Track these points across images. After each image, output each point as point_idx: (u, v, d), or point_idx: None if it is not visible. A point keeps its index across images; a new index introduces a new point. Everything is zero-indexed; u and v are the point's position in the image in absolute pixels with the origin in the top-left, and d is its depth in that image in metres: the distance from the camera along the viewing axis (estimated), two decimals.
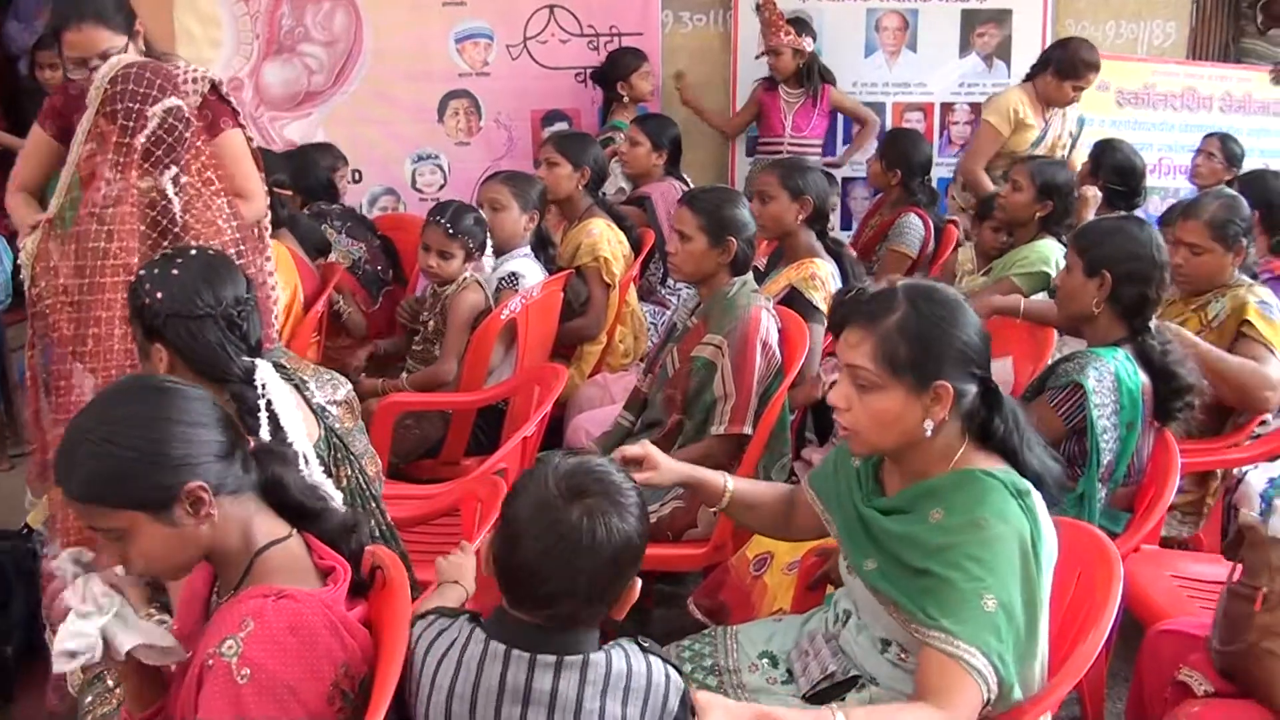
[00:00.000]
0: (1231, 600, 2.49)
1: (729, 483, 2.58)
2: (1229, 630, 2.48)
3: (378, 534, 2.63)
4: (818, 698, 2.30)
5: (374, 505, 2.66)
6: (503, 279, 4.23)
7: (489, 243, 4.28)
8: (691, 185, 5.48)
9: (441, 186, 6.57)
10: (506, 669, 1.80)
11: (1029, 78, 5.68)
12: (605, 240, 4.53)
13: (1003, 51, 6.58)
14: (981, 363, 2.14)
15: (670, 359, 3.59)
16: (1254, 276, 4.04)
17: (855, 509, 2.31)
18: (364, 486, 2.64)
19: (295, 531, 1.96)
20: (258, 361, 2.44)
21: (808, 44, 6.06)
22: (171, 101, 3.01)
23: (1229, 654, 2.47)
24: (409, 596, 1.98)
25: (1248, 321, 3.71)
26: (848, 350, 2.16)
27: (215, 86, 3.34)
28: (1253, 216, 3.96)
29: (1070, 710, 3.15)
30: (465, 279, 4.14)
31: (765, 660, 2.45)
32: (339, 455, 2.60)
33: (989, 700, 1.99)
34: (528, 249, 4.38)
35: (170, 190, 2.96)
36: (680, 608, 3.19)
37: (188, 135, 3.02)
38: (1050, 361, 3.31)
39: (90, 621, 1.81)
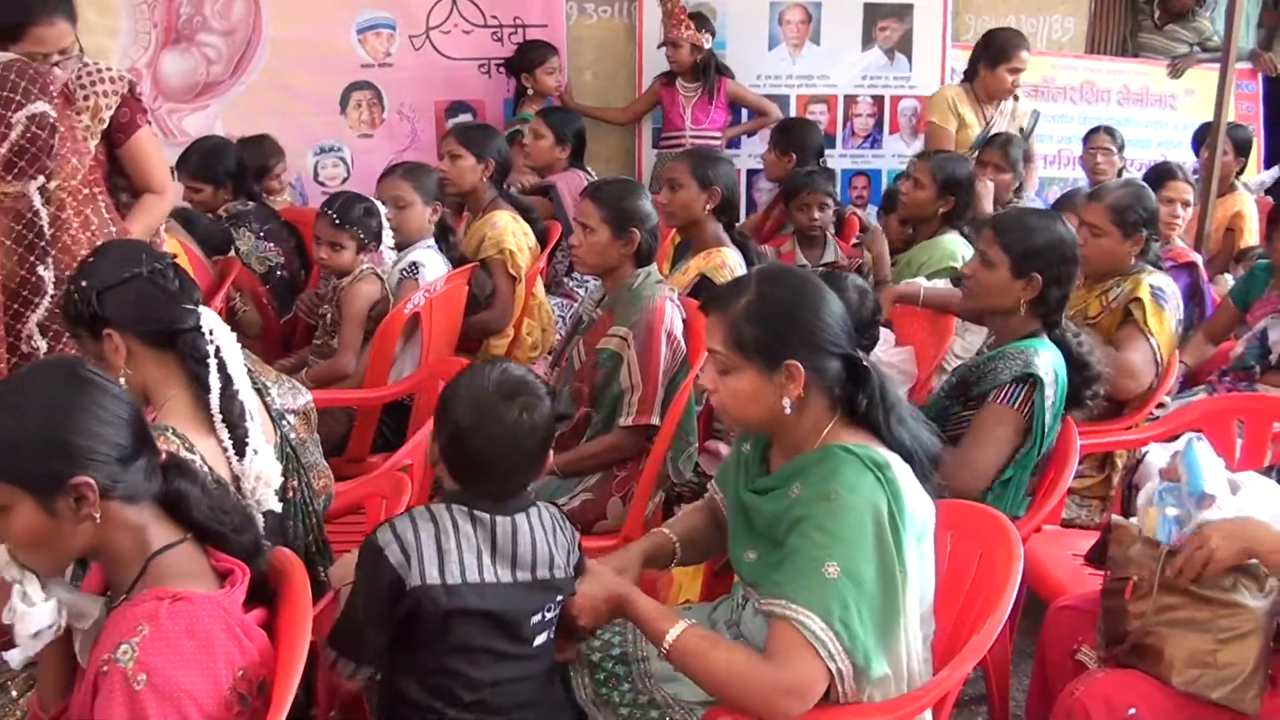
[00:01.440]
0: (1106, 598, 2.56)
1: (670, 534, 2.60)
2: (1111, 626, 2.54)
3: (313, 550, 2.58)
4: None
5: (314, 521, 2.61)
6: (403, 269, 4.18)
7: (390, 237, 4.21)
8: (595, 177, 5.48)
9: (345, 179, 6.45)
10: (477, 526, 2.16)
11: (965, 79, 5.75)
12: (510, 232, 4.49)
13: (904, 45, 6.66)
14: (838, 340, 2.19)
15: (576, 351, 3.57)
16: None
17: (738, 496, 2.35)
18: (307, 501, 2.60)
19: (190, 535, 1.92)
20: (203, 309, 2.38)
21: (706, 40, 6.07)
22: (37, 108, 2.85)
23: (1119, 653, 2.53)
24: (309, 600, 1.97)
25: (1137, 300, 3.80)
26: (708, 336, 2.26)
27: (133, 86, 3.30)
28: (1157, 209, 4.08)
29: (977, 688, 3.21)
30: (361, 270, 4.09)
31: None
32: (290, 466, 2.55)
33: (841, 672, 2.02)
34: (430, 240, 4.33)
35: (37, 200, 2.84)
36: None
37: (53, 143, 2.87)
38: (967, 362, 3.31)
39: (38, 596, 1.83)
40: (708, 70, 6.13)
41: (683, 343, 3.46)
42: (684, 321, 3.49)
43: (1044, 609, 2.97)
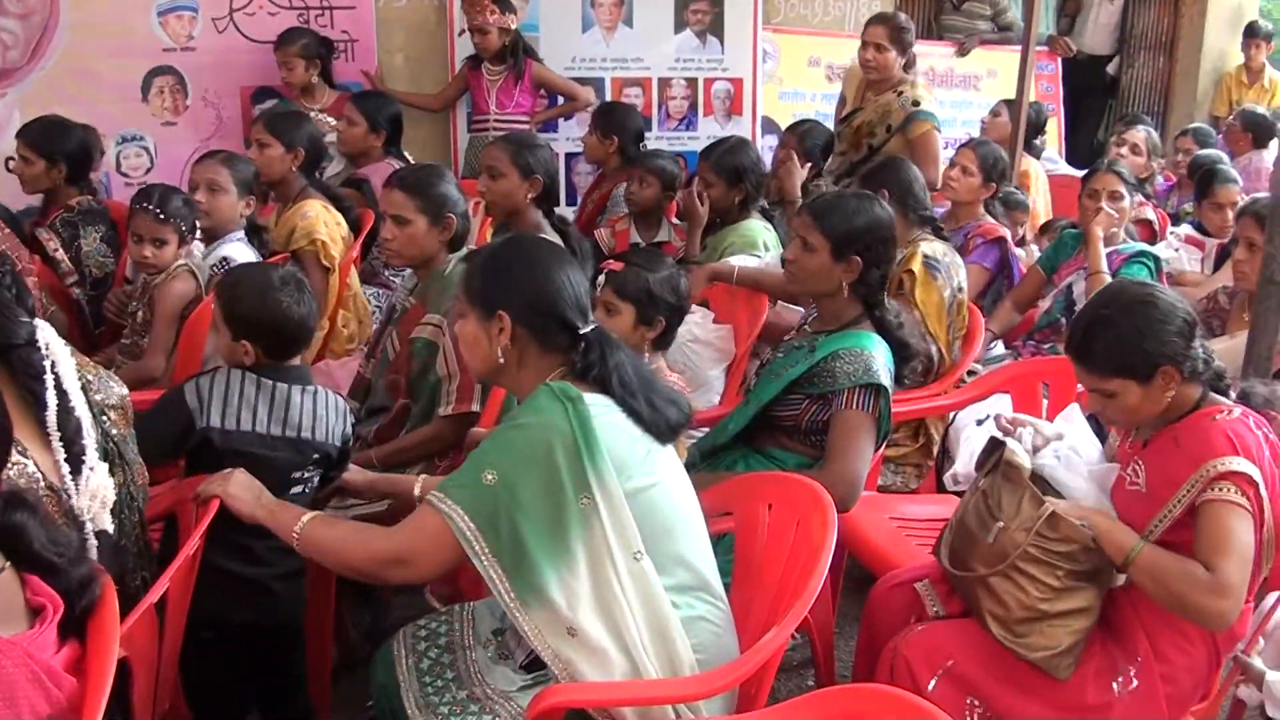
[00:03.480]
0: (970, 519, 2.62)
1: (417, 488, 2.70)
2: (959, 548, 2.61)
3: (135, 550, 2.48)
4: (532, 666, 2.34)
5: (138, 518, 2.50)
6: (215, 266, 4.03)
7: (198, 228, 4.07)
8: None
9: (149, 170, 6.18)
10: (260, 390, 2.72)
11: None
12: (322, 222, 4.36)
13: (716, 28, 6.72)
14: (556, 305, 2.33)
15: (390, 342, 3.49)
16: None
17: None
18: (132, 496, 2.48)
19: (9, 564, 1.82)
20: (38, 322, 2.28)
21: (512, 21, 6.00)
22: None
23: (958, 578, 2.60)
24: (116, 637, 1.91)
25: (910, 272, 3.94)
26: None
27: None
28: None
29: (804, 653, 3.28)
30: (176, 267, 3.93)
31: (497, 638, 2.47)
32: (114, 462, 2.42)
33: (493, 576, 2.16)
34: (241, 234, 4.18)
35: None
36: (419, 594, 3.15)
37: None
38: (795, 343, 3.33)
39: None
40: (515, 53, 6.04)
41: None
42: None
43: (869, 574, 3.05)
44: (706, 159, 4.81)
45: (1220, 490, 2.37)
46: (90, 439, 2.26)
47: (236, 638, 2.71)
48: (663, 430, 2.34)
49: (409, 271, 3.73)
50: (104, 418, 2.42)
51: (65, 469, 2.21)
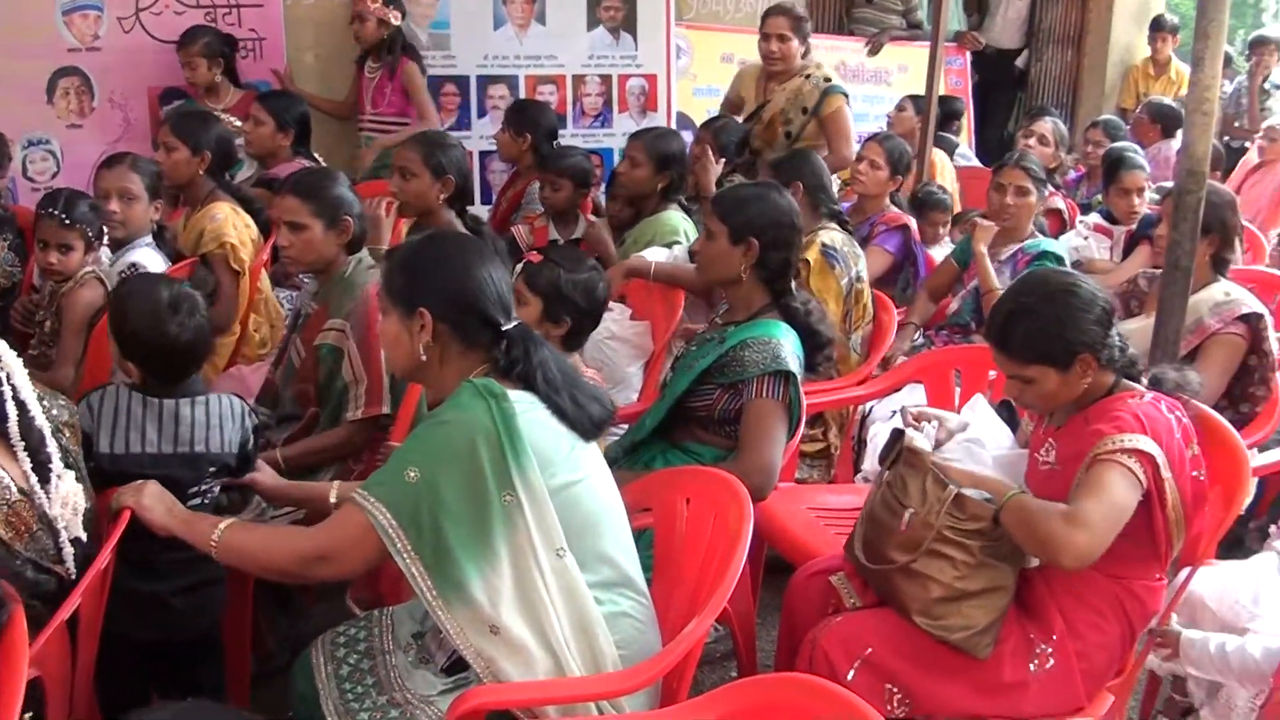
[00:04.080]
0: (880, 512, 2.65)
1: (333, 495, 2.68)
2: (873, 540, 2.64)
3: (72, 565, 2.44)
4: (453, 669, 2.34)
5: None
6: (122, 271, 3.95)
7: (105, 234, 3.98)
8: (324, 164, 5.31)
9: (55, 174, 6.00)
10: (147, 408, 2.68)
11: None
12: (231, 225, 4.28)
13: (629, 25, 6.71)
14: (477, 302, 2.31)
15: (295, 349, 3.45)
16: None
17: None
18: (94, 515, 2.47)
19: None
20: None
21: (394, 17, 5.91)
22: None
23: (873, 572, 2.63)
24: (24, 659, 1.90)
25: (805, 260, 3.98)
26: None
27: None
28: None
29: (726, 645, 3.30)
30: (84, 274, 3.84)
31: (417, 641, 2.46)
32: (79, 473, 2.42)
33: (415, 573, 2.15)
34: (149, 238, 4.10)
35: None
36: (339, 601, 3.11)
37: None
38: (707, 335, 3.36)
39: None
40: (392, 50, 5.94)
41: None
42: None
43: (790, 565, 3.07)
44: (639, 139, 4.89)
45: (1115, 454, 2.43)
46: (53, 448, 2.27)
47: (148, 653, 2.67)
48: (586, 427, 2.34)
49: None
50: (60, 434, 2.39)
51: (34, 478, 2.21)
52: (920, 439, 2.66)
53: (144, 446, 2.63)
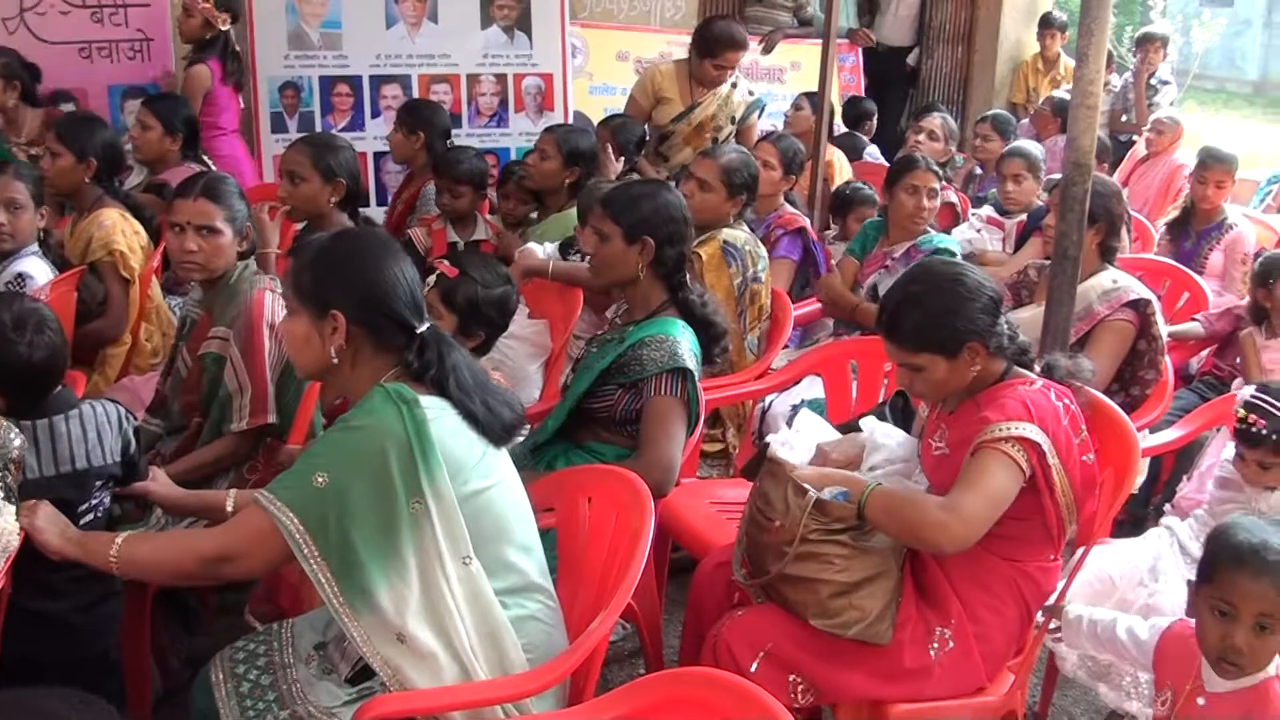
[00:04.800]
0: (751, 528, 2.68)
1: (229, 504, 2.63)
2: (754, 555, 2.66)
3: None
4: (357, 679, 2.32)
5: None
6: (9, 283, 3.83)
7: None
8: (214, 168, 5.21)
9: None
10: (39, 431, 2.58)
11: (690, 57, 5.75)
12: (119, 232, 4.18)
13: (523, 23, 6.67)
14: (390, 303, 2.26)
15: (182, 359, 3.37)
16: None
17: None
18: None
19: None
20: None
21: (222, 22, 5.81)
22: None
23: (759, 585, 2.65)
24: None
25: (697, 255, 4.01)
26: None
27: None
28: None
29: (634, 642, 3.30)
30: None
31: (319, 652, 2.42)
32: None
33: (321, 579, 2.12)
34: (35, 246, 3.99)
35: None
36: (240, 616, 3.05)
37: None
38: (606, 336, 3.36)
39: None
40: (208, 48, 5.85)
41: None
42: None
43: (696, 561, 3.08)
44: (551, 132, 4.91)
45: (998, 441, 2.47)
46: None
47: (50, 675, 2.58)
48: (498, 433, 2.32)
49: None
50: (4, 472, 2.37)
51: None
52: (784, 450, 2.68)
53: (25, 473, 2.49)
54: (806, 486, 2.56)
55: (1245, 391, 3.23)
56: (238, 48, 6.00)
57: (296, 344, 2.32)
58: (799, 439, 2.80)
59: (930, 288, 2.61)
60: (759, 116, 5.63)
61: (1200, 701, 2.29)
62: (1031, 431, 2.48)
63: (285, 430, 3.25)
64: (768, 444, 2.76)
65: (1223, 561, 2.23)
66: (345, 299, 2.25)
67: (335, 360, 2.27)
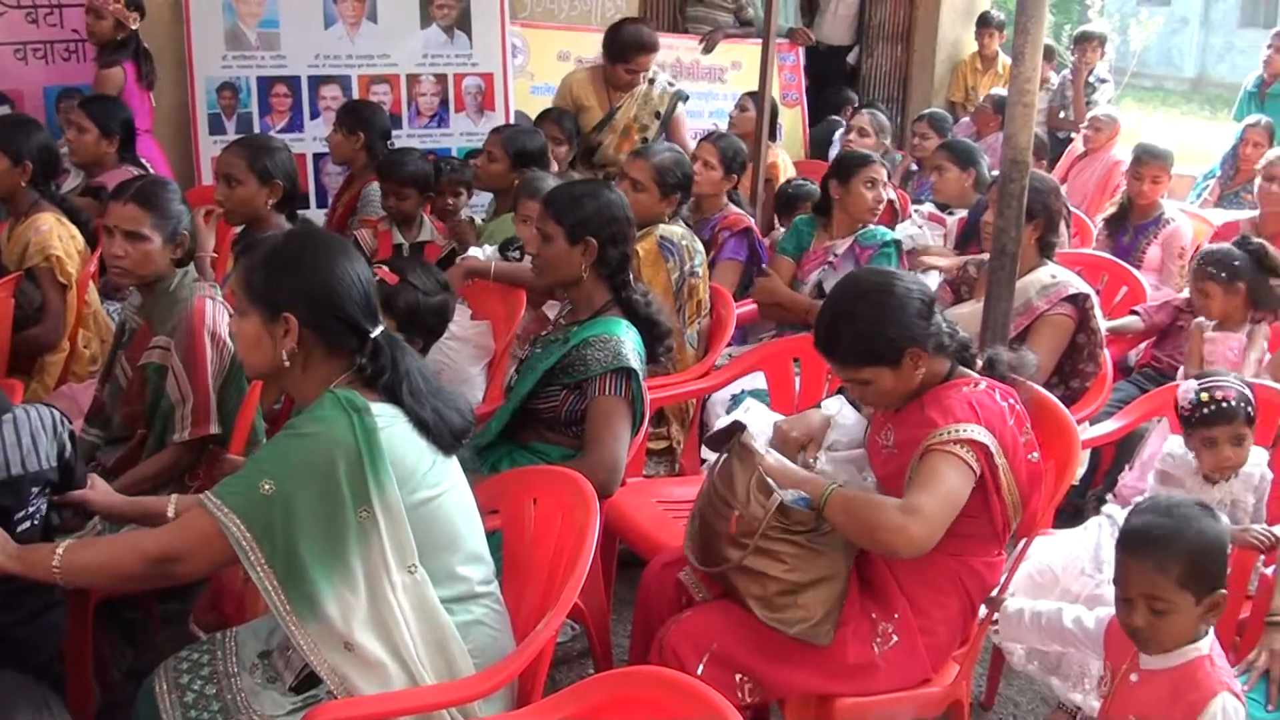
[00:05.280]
0: (708, 512, 2.67)
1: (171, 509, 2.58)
2: (707, 541, 2.66)
3: None
4: (301, 686, 2.30)
5: None
6: None
7: None
8: (151, 171, 5.14)
9: None
10: None
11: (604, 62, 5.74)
12: (56, 236, 4.11)
13: (463, 23, 6.65)
14: (342, 306, 2.23)
15: (122, 368, 3.31)
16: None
17: None
18: None
19: None
20: None
21: (133, 21, 5.71)
22: None
23: (712, 574, 2.65)
24: None
25: (635, 251, 4.01)
26: None
27: None
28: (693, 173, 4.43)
29: (583, 643, 3.30)
30: None
31: (264, 661, 2.39)
32: None
33: (268, 586, 2.12)
34: None
35: None
36: (184, 627, 2.99)
37: None
38: (553, 335, 3.34)
39: None
40: (120, 50, 5.74)
41: (230, 342, 3.20)
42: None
43: (644, 560, 3.08)
44: (498, 134, 4.92)
45: (949, 444, 2.50)
46: None
47: None
48: (447, 440, 2.30)
49: None
50: None
51: None
52: (757, 441, 2.68)
53: None
54: (773, 486, 2.56)
55: (1190, 384, 3.26)
56: (147, 45, 5.89)
57: (247, 345, 2.29)
58: (752, 420, 2.79)
59: (858, 301, 2.63)
60: (684, 105, 5.67)
61: (1134, 678, 2.35)
62: (978, 433, 2.51)
63: (227, 439, 3.20)
64: (739, 423, 2.73)
65: (1117, 544, 2.34)
66: (297, 301, 2.21)
67: (286, 363, 2.24)
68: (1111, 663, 2.44)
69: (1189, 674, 2.27)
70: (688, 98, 5.60)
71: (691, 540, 2.72)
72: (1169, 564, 2.22)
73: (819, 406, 3.02)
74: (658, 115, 5.53)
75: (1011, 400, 2.64)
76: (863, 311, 2.60)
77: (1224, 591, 2.27)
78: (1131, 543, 2.30)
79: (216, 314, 3.17)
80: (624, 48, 5.55)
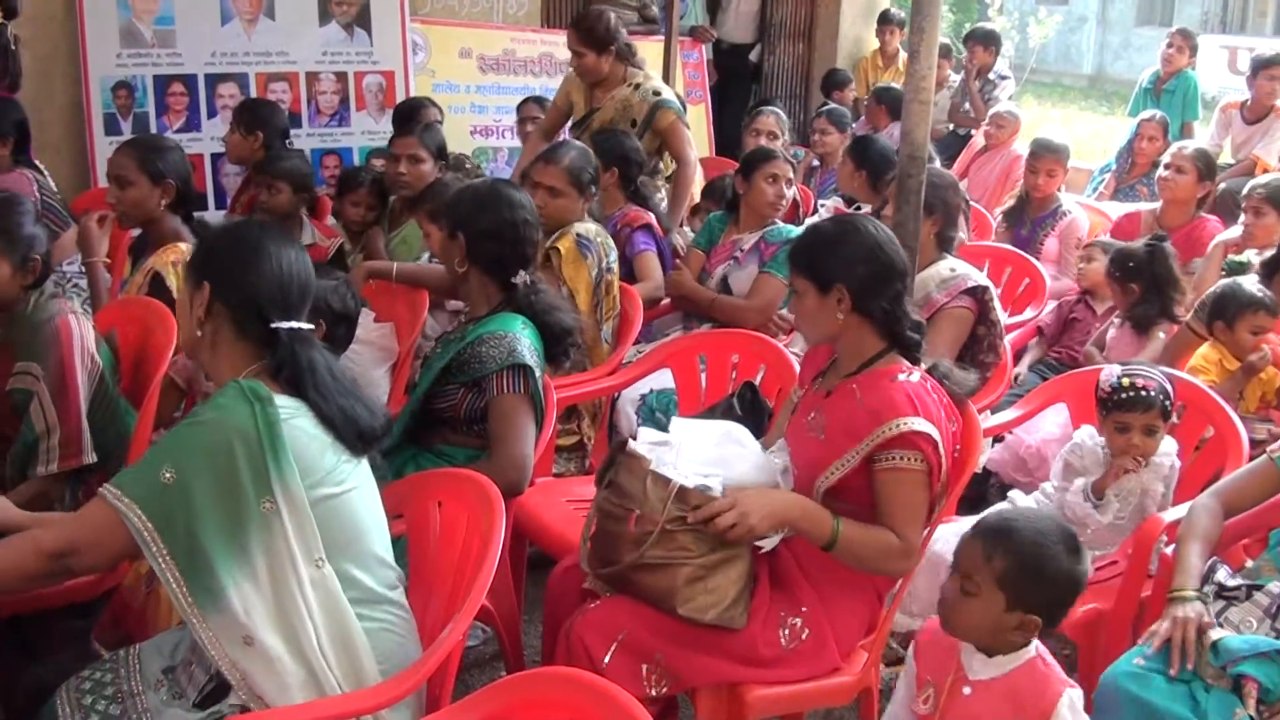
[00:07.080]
0: (606, 521, 2.66)
1: None
2: (605, 548, 2.65)
3: None
4: (205, 702, 2.25)
5: None
6: None
7: None
8: (46, 173, 5.00)
9: None
10: None
11: None
12: None
13: (363, 20, 6.58)
14: (254, 295, 2.25)
15: None
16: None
17: None
18: None
19: None
20: None
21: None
22: None
23: (609, 576, 2.64)
24: None
25: (555, 249, 4.03)
26: None
27: None
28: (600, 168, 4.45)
29: (494, 646, 3.28)
30: None
31: (168, 676, 2.34)
32: None
33: (171, 577, 2.07)
34: None
35: None
36: (86, 644, 2.90)
37: None
38: (451, 335, 3.33)
39: None
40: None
41: (97, 356, 3.09)
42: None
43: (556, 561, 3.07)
44: (413, 135, 4.88)
45: (902, 459, 2.56)
46: None
47: None
48: (353, 440, 2.27)
49: None
50: None
51: None
52: (641, 446, 2.67)
53: None
54: (669, 476, 2.56)
55: (1114, 368, 3.32)
56: (14, 46, 5.66)
57: (181, 315, 2.38)
58: (681, 455, 2.71)
59: (832, 224, 2.85)
60: (681, 116, 5.50)
61: (966, 690, 2.35)
62: (922, 425, 2.56)
63: (111, 471, 3.01)
64: (622, 443, 2.74)
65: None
66: (215, 275, 2.27)
67: (199, 334, 2.28)
68: (931, 676, 2.43)
69: (1026, 677, 2.29)
70: (676, 107, 5.46)
71: (587, 558, 2.71)
72: (996, 558, 2.26)
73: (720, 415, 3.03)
74: (634, 123, 5.41)
75: (941, 395, 2.69)
76: (827, 233, 2.75)
77: (1039, 620, 2.26)
78: (981, 524, 2.36)
79: (83, 330, 3.05)
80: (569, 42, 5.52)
